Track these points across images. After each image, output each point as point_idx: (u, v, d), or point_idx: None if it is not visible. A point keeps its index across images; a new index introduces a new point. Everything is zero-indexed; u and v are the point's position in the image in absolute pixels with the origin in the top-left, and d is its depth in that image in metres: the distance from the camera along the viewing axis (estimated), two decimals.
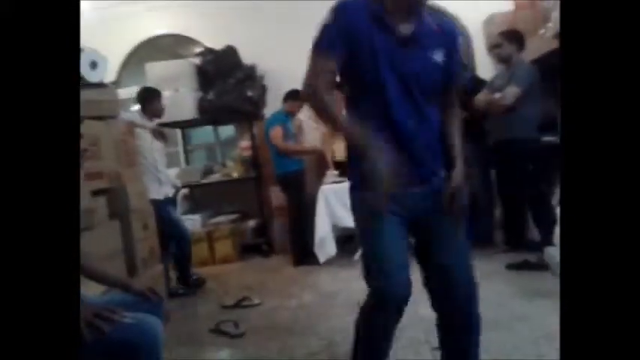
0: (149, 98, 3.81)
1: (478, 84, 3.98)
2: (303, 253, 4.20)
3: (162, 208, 3.69)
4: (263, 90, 4.92)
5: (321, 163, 4.54)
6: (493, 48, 3.87)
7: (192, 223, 4.66)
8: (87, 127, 2.56)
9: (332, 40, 1.40)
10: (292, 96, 4.32)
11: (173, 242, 3.83)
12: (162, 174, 3.75)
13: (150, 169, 3.62)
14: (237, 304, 3.22)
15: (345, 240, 4.16)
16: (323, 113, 1.45)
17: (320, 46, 1.42)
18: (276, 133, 4.27)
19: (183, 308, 3.38)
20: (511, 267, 3.37)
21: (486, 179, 4.00)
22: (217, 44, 4.95)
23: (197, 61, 4.89)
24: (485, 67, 4.55)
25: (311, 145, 4.72)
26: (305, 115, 4.54)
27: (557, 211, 3.33)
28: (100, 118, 2.84)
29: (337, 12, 1.41)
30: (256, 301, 3.24)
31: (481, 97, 3.72)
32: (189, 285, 3.81)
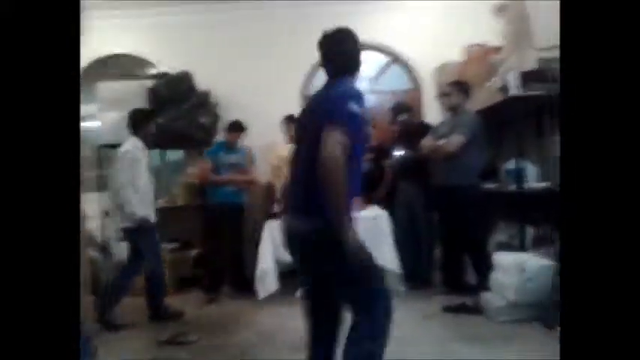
0: (145, 120, 3.70)
1: (423, 129, 4.11)
2: (242, 287, 4.17)
3: (154, 234, 3.57)
4: (216, 118, 4.89)
5: (268, 196, 4.51)
6: (442, 96, 4.03)
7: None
8: None
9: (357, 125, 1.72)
10: (233, 127, 4.36)
11: (147, 272, 3.59)
12: (152, 197, 3.64)
13: (145, 191, 3.51)
14: (173, 340, 3.10)
15: (286, 275, 4.07)
16: (339, 186, 1.63)
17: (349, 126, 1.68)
18: (203, 165, 4.33)
19: (116, 342, 3.23)
20: (448, 309, 3.43)
21: (429, 221, 4.10)
22: (173, 68, 4.90)
23: (150, 83, 4.81)
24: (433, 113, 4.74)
25: (243, 176, 4.39)
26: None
27: (493, 256, 3.45)
28: None
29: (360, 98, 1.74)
30: (192, 338, 3.13)
31: (426, 143, 3.84)
32: (161, 317, 3.60)
